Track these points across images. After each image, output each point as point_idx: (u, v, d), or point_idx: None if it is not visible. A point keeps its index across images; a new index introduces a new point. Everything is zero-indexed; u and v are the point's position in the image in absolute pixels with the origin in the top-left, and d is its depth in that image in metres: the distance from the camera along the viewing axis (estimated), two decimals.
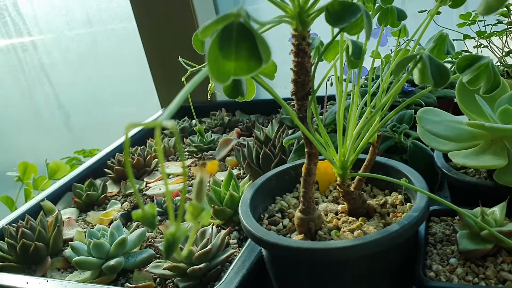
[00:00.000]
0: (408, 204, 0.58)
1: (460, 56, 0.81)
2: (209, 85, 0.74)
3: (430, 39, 0.57)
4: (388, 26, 0.54)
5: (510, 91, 0.60)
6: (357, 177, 0.58)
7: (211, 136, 1.06)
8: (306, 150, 0.52)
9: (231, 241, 0.71)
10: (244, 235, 0.72)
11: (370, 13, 0.54)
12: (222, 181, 0.79)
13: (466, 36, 0.82)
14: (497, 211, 0.52)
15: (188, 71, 0.66)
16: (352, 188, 0.57)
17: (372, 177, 0.55)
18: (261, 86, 0.47)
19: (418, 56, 0.40)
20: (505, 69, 0.80)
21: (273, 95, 0.47)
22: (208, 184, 0.90)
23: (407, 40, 0.72)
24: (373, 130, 0.54)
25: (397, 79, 0.42)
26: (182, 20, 1.28)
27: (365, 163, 0.58)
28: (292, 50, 0.47)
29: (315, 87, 0.49)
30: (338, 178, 0.56)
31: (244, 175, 0.89)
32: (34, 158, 1.34)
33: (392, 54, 0.77)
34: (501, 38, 0.79)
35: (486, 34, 0.77)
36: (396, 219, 0.56)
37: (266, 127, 1.05)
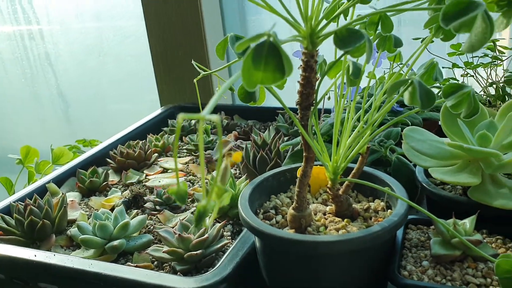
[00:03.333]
0: (389, 210, 0.65)
1: (447, 83, 0.89)
2: (217, 89, 0.80)
3: (422, 65, 0.64)
4: (385, 51, 0.61)
5: (489, 118, 0.67)
6: (346, 182, 0.64)
7: (210, 137, 1.13)
8: (304, 154, 0.59)
9: (225, 233, 0.77)
10: (237, 229, 0.79)
11: (371, 37, 0.62)
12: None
13: (454, 65, 0.90)
14: (467, 223, 0.59)
15: (198, 73, 0.72)
16: (340, 192, 0.64)
17: (359, 183, 0.62)
18: (272, 94, 0.54)
19: (409, 81, 0.47)
20: (488, 98, 0.88)
21: (282, 104, 0.54)
22: (207, 180, 0.96)
23: (401, 64, 0.79)
24: (363, 142, 0.61)
25: (388, 99, 0.49)
26: (190, 24, 1.34)
27: (353, 171, 0.65)
28: (300, 65, 0.53)
29: (317, 99, 0.56)
30: (329, 182, 0.63)
31: (240, 175, 0.95)
32: (32, 144, 1.39)
33: (386, 76, 0.85)
34: (486, 70, 0.87)
35: (472, 65, 0.84)
36: (377, 222, 0.63)
37: (263, 133, 1.11)
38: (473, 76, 0.89)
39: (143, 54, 1.52)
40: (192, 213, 0.81)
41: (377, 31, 0.59)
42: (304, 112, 0.56)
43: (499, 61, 0.84)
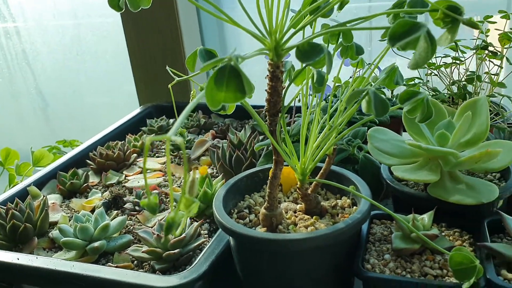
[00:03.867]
0: (354, 207, 0.69)
1: (410, 82, 0.93)
2: (192, 92, 0.83)
3: (383, 70, 0.68)
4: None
5: (448, 118, 0.72)
6: (314, 182, 0.68)
7: (188, 136, 1.16)
8: (274, 157, 0.63)
9: (202, 231, 0.80)
10: (214, 227, 0.82)
11: (334, 46, 0.65)
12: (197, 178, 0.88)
13: None
14: (426, 217, 0.63)
15: (174, 78, 0.75)
16: (309, 191, 0.68)
17: (326, 183, 0.65)
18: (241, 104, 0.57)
19: (365, 91, 0.51)
20: (450, 96, 0.93)
21: (250, 112, 0.57)
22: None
23: (368, 64, 0.83)
24: (329, 144, 0.64)
25: (350, 105, 0.52)
26: (165, 22, 1.36)
27: (321, 171, 0.69)
28: (267, 75, 0.57)
29: (288, 101, 0.59)
30: (298, 183, 0.66)
31: (217, 174, 0.99)
32: (11, 144, 1.40)
33: (351, 80, 0.89)
34: (449, 69, 0.92)
35: (435, 66, 0.89)
36: (343, 219, 0.67)
37: (240, 131, 1.15)
38: (437, 75, 0.94)
39: (122, 51, 1.53)
40: (142, 207, 0.84)
41: (340, 41, 0.63)
42: (272, 119, 0.60)
43: (460, 61, 0.88)
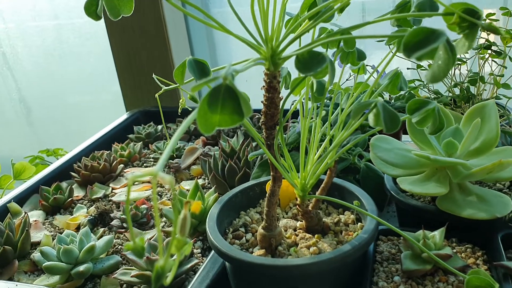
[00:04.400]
0: (359, 223, 0.64)
1: (411, 90, 0.88)
2: (180, 100, 0.78)
3: (386, 75, 0.64)
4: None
5: (454, 124, 0.67)
6: (315, 198, 0.63)
7: (177, 144, 1.10)
8: (271, 173, 0.58)
9: (195, 250, 0.75)
10: (207, 245, 0.77)
11: (335, 50, 0.60)
12: (188, 190, 0.83)
13: (419, 66, 0.89)
14: (437, 235, 0.59)
15: (163, 76, 0.70)
16: (310, 208, 0.63)
17: (328, 200, 0.61)
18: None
19: (373, 104, 0.46)
20: (453, 98, 0.88)
21: (248, 129, 0.52)
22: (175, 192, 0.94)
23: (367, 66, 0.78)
24: (331, 157, 0.60)
25: (356, 119, 0.47)
26: (151, 25, 1.31)
27: (322, 185, 0.64)
28: (264, 86, 0.52)
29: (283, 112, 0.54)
30: (298, 199, 0.62)
31: (209, 185, 0.94)
32: None
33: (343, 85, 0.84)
34: (450, 71, 0.87)
35: None
36: (348, 237, 0.62)
37: (232, 137, 1.10)
38: None
39: (105, 52, 1.47)
40: (161, 230, 0.79)
41: (340, 45, 0.58)
42: (269, 132, 0.55)
43: (462, 61, 0.84)
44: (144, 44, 1.33)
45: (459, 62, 0.82)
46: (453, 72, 0.87)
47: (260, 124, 0.55)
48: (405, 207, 0.68)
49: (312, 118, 0.62)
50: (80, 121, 1.85)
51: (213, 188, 0.85)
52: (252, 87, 1.25)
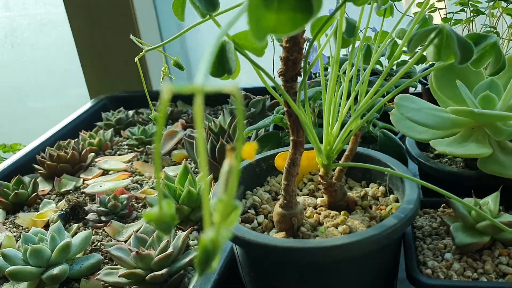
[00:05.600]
0: (391, 196, 0.54)
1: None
2: (162, 68, 0.67)
3: (412, 20, 0.54)
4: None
5: (489, 77, 0.58)
6: (338, 168, 0.53)
7: (152, 128, 0.98)
8: (292, 138, 0.47)
9: (190, 242, 0.64)
10: None
11: None
12: (175, 176, 0.71)
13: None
14: (491, 201, 0.49)
15: (131, 58, 0.58)
16: (333, 180, 0.52)
17: (361, 166, 0.50)
18: (250, 62, 0.41)
19: (437, 29, 0.36)
20: None
21: (266, 75, 0.41)
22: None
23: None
24: (358, 118, 0.49)
25: (413, 51, 0.37)
26: (117, 3, 1.17)
27: (346, 153, 0.54)
28: None
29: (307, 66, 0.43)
30: (322, 169, 0.51)
31: (197, 169, 0.82)
32: None
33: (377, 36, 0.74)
34: (463, 26, 0.79)
35: (450, 22, 0.75)
36: (380, 212, 0.52)
37: (215, 118, 0.98)
38: None
39: (64, 42, 1.34)
40: (148, 223, 0.67)
41: None
42: (289, 85, 0.44)
43: (474, 16, 0.75)
44: (108, 23, 1.20)
45: (475, 14, 0.73)
46: (464, 28, 0.78)
47: (278, 74, 0.44)
48: (438, 174, 0.59)
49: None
50: (40, 118, 1.69)
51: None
52: None
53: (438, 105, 0.61)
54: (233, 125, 0.83)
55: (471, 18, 0.74)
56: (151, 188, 0.79)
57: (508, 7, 0.75)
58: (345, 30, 0.45)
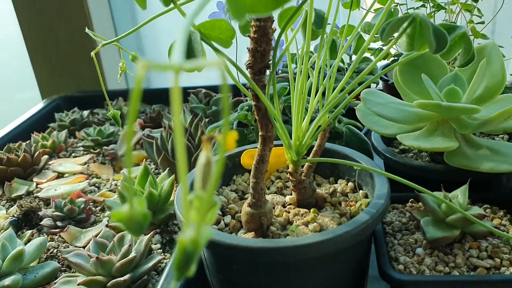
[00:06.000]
0: (360, 191, 0.53)
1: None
2: (120, 64, 0.64)
3: (378, 13, 0.53)
4: None
5: (453, 71, 0.58)
6: (307, 164, 0.52)
7: (109, 129, 0.94)
8: (260, 133, 0.45)
9: (153, 246, 0.61)
10: (167, 238, 0.63)
11: None
12: (135, 178, 0.68)
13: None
14: (460, 195, 0.49)
15: (86, 56, 0.55)
16: (303, 177, 0.51)
17: (332, 162, 0.49)
18: (216, 52, 0.39)
19: (411, 17, 0.35)
20: None
21: (235, 66, 0.39)
22: (116, 182, 0.79)
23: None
24: (327, 111, 0.48)
25: (387, 40, 0.36)
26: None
27: (315, 149, 0.52)
28: None
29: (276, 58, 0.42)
30: (291, 166, 0.49)
31: (157, 170, 0.79)
32: None
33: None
34: None
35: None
36: (350, 208, 0.51)
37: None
38: None
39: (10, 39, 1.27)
40: (107, 226, 0.64)
41: None
42: (258, 78, 0.42)
43: (435, 12, 0.76)
44: (59, 20, 1.15)
45: (435, 10, 0.73)
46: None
47: (246, 66, 0.42)
48: (404, 169, 0.58)
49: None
50: None
51: (165, 171, 0.71)
52: None
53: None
54: (194, 123, 0.81)
55: (432, 14, 0.74)
56: (109, 190, 0.76)
57: (467, 3, 0.76)
58: (314, 21, 0.44)
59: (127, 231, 0.20)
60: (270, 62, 0.42)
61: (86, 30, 0.58)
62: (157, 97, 1.10)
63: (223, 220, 0.52)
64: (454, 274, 0.44)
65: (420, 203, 0.55)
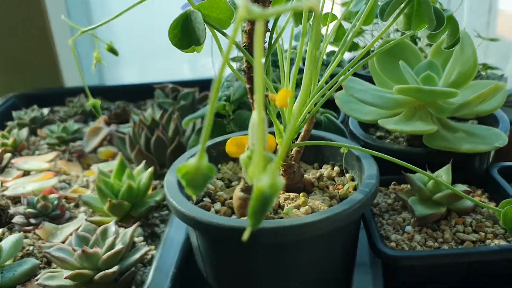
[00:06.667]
0: (347, 175, 0.54)
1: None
2: (94, 53, 0.62)
3: (358, 2, 0.54)
4: None
5: (427, 58, 0.61)
6: (295, 148, 0.52)
7: (74, 126, 0.91)
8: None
9: (136, 239, 0.60)
10: (149, 231, 0.62)
11: None
12: (111, 172, 0.67)
13: None
14: (444, 174, 0.51)
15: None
16: (292, 161, 0.52)
17: (324, 144, 0.50)
18: (218, 31, 0.39)
19: None
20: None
21: (237, 46, 0.39)
22: (86, 177, 0.77)
23: None
24: (319, 96, 0.49)
25: (388, 18, 0.37)
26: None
27: (302, 133, 0.53)
28: None
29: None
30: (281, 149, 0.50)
31: (131, 165, 0.78)
32: None
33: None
34: None
35: None
36: (339, 191, 0.52)
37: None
38: None
39: None
40: (86, 220, 0.62)
41: None
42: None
43: None
44: (13, 13, 1.10)
45: None
46: None
47: (242, 44, 0.42)
48: (385, 153, 0.60)
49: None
50: None
51: (142, 164, 0.69)
52: None
53: None
54: (165, 117, 0.80)
55: None
56: (82, 187, 0.73)
57: None
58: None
59: (189, 186, 0.20)
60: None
61: (62, 17, 0.56)
62: (119, 93, 1.08)
63: (213, 207, 0.51)
64: (444, 248, 0.46)
65: (402, 185, 0.57)
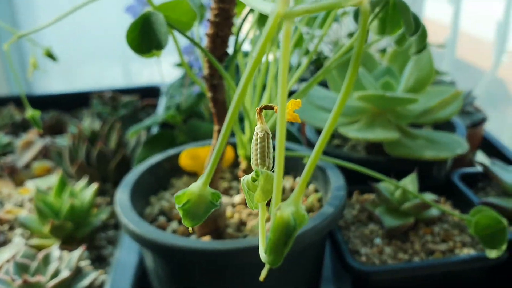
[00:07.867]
0: (310, 186, 0.52)
1: None
2: (31, 60, 0.57)
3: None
4: None
5: (384, 65, 0.60)
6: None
7: (4, 139, 0.83)
8: (217, 128, 0.42)
9: (82, 263, 0.54)
10: (95, 255, 0.56)
11: None
12: (49, 189, 0.61)
13: None
14: (409, 183, 0.50)
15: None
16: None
17: (288, 155, 0.47)
18: (183, 35, 0.35)
19: (385, 1, 0.34)
20: None
21: (202, 50, 0.36)
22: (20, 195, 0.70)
23: None
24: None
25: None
26: None
27: None
28: None
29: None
30: (244, 163, 0.47)
31: (70, 180, 0.71)
32: None
33: None
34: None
35: None
36: (303, 203, 0.50)
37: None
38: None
39: None
40: (26, 244, 0.55)
41: None
42: (215, 66, 0.39)
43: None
44: None
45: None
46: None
47: (205, 52, 0.38)
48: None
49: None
50: None
51: (85, 180, 0.64)
52: None
53: None
54: (106, 128, 0.74)
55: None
56: (16, 206, 0.66)
57: None
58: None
59: (188, 217, 0.16)
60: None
61: None
62: (51, 103, 1.00)
63: (170, 225, 0.47)
64: (415, 261, 0.45)
65: (365, 195, 0.55)
